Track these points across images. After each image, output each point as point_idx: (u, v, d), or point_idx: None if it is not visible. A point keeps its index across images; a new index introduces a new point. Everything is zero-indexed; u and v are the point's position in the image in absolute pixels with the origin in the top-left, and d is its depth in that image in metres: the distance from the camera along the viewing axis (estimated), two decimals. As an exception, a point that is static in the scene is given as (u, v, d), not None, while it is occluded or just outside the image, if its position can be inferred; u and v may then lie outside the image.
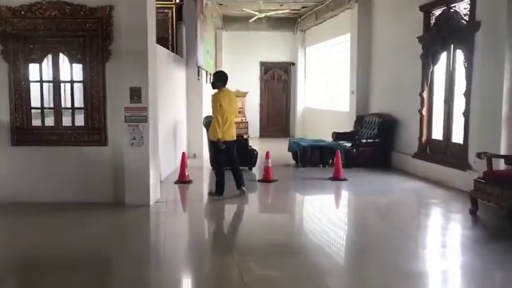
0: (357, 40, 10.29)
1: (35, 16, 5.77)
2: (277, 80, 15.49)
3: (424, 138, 8.05)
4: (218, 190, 6.58)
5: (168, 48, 9.10)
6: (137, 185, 5.86)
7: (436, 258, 4.45)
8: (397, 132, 8.90)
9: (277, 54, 15.24)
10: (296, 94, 15.27)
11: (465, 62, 6.83)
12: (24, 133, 5.95)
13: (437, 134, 7.75)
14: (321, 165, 8.92)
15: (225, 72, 6.81)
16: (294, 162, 9.33)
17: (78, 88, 6.01)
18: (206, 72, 10.87)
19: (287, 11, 12.97)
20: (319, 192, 7.32)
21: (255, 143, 11.66)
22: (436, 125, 7.86)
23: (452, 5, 7.16)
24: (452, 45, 7.28)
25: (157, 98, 6.22)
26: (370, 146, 8.90)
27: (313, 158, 8.95)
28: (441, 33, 7.43)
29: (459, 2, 7.01)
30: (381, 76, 9.73)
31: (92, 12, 5.80)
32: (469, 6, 6.78)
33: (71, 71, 5.96)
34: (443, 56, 7.52)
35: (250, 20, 13.35)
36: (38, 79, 5.98)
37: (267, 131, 15.34)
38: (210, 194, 6.73)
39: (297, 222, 5.89)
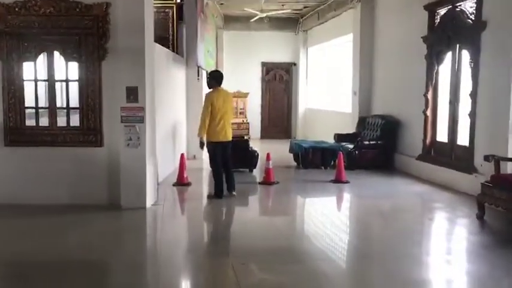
0: (359, 40, 10.12)
1: (29, 13, 5.64)
2: (279, 80, 15.33)
3: (428, 140, 7.87)
4: (217, 192, 6.42)
5: (168, 48, 8.97)
6: (133, 187, 5.70)
7: (441, 265, 4.27)
8: (400, 133, 8.73)
9: (279, 55, 15.08)
10: (298, 95, 15.11)
11: (471, 62, 6.65)
12: (17, 133, 5.81)
13: (442, 135, 7.58)
14: (323, 167, 8.76)
15: (220, 71, 6.71)
16: (296, 163, 9.17)
17: (74, 87, 5.84)
18: (206, 72, 10.70)
19: (289, 10, 12.80)
20: (320, 195, 7.15)
21: (256, 144, 11.50)
22: (440, 127, 7.69)
23: (457, 4, 6.98)
24: (457, 45, 7.10)
25: (154, 97, 6.06)
26: (373, 147, 8.73)
27: (315, 159, 8.79)
28: (446, 33, 7.26)
29: (465, 0, 6.83)
30: (384, 77, 9.56)
31: (87, 9, 5.66)
32: (475, 5, 6.60)
33: (66, 69, 5.81)
34: (449, 56, 7.35)
35: (252, 20, 13.21)
36: (32, 78, 5.84)
37: (268, 132, 15.19)
38: (209, 197, 6.56)
39: (298, 226, 5.72)
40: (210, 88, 6.46)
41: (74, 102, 5.84)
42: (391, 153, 8.80)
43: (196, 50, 9.60)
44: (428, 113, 7.85)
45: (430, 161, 7.72)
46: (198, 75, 9.88)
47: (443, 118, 7.59)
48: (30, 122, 5.86)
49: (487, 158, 5.47)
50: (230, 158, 6.51)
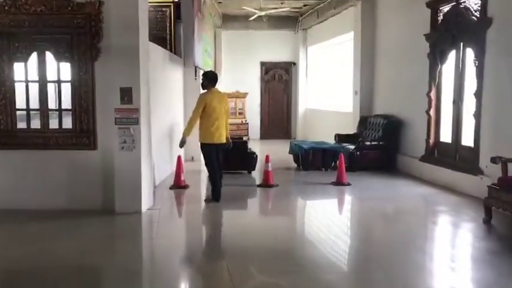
0: (360, 39, 9.94)
1: (19, 12, 5.46)
2: (278, 80, 15.15)
3: (431, 141, 7.69)
4: (214, 196, 6.25)
5: (166, 48, 8.80)
6: (128, 192, 5.52)
7: (446, 272, 4.09)
8: (402, 134, 8.55)
9: (278, 54, 14.90)
10: (297, 95, 14.93)
11: (476, 60, 6.47)
12: (8, 136, 5.63)
13: (446, 136, 7.39)
14: (323, 169, 8.58)
15: (215, 72, 6.59)
16: (295, 165, 9.00)
17: (66, 88, 5.66)
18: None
19: (288, 9, 12.63)
20: (321, 198, 6.96)
21: (255, 145, 11.35)
22: (444, 127, 7.51)
23: (461, 1, 6.81)
24: (461, 43, 6.92)
25: (150, 98, 5.88)
26: (375, 148, 8.55)
27: (315, 161, 8.60)
28: (450, 31, 7.07)
29: (469, -3, 6.66)
30: (386, 76, 9.38)
31: (80, 7, 5.48)
32: (480, 2, 6.42)
33: (58, 70, 5.64)
34: (452, 54, 7.17)
35: (250, 19, 13.02)
36: (23, 79, 5.67)
37: (267, 133, 15.01)
38: (206, 200, 6.37)
39: (298, 230, 5.54)
40: (204, 89, 6.32)
41: (67, 103, 5.66)
42: (394, 154, 8.63)
43: (193, 49, 9.41)
44: (432, 112, 7.67)
45: (434, 162, 7.54)
46: (196, 75, 9.70)
47: (446, 118, 7.41)
48: (21, 125, 5.69)
49: (494, 160, 5.28)
50: (221, 162, 6.34)
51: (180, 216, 6.21)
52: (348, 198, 6.96)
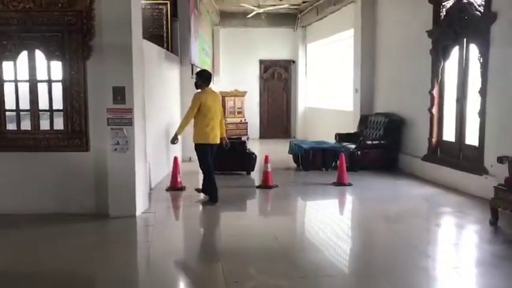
0: (360, 36, 9.75)
1: (7, 9, 5.27)
2: (277, 78, 14.96)
3: (434, 140, 7.51)
4: (212, 197, 6.11)
5: (162, 47, 8.62)
6: (122, 195, 5.34)
7: (451, 277, 3.91)
8: (404, 133, 8.37)
9: (277, 52, 14.71)
10: (297, 93, 14.74)
11: (480, 57, 6.29)
12: (-3, 138, 5.44)
13: (449, 135, 7.21)
14: (324, 169, 8.40)
15: (209, 71, 6.50)
16: (295, 165, 8.82)
17: (57, 88, 5.46)
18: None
19: (287, 6, 12.44)
20: (321, 199, 6.78)
21: (254, 145, 11.19)
22: (447, 126, 7.33)
23: (465, -5, 6.62)
24: (465, 39, 6.74)
25: (144, 98, 5.70)
26: (376, 147, 8.37)
27: (316, 161, 8.42)
28: (453, 27, 6.89)
29: (473, -9, 6.47)
30: (387, 73, 9.19)
31: (70, 4, 5.29)
32: (484, -4, 6.24)
33: (49, 69, 5.44)
34: (455, 50, 6.99)
35: (249, 16, 12.84)
36: (13, 79, 5.48)
37: (267, 132, 14.83)
38: (203, 203, 6.19)
39: (298, 234, 5.34)
40: (197, 88, 6.18)
41: (58, 104, 5.47)
42: (395, 154, 8.44)
43: (189, 47, 9.22)
44: (434, 111, 7.49)
45: (437, 161, 7.36)
46: (192, 74, 9.49)
47: (450, 116, 7.24)
48: (11, 126, 5.50)
49: (500, 160, 5.10)
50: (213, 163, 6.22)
51: (177, 220, 6.03)
52: (349, 199, 6.78)
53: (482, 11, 6.30)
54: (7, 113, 5.48)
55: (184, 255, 4.57)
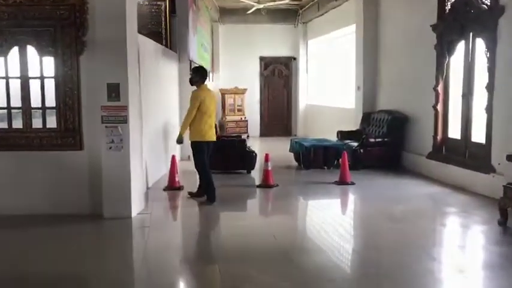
0: (362, 31, 9.54)
1: (-3, 3, 5.08)
2: (278, 75, 14.75)
3: (439, 137, 7.32)
4: (209, 196, 5.96)
5: (162, 44, 8.44)
6: (117, 195, 5.17)
7: (458, 279, 3.73)
8: (408, 130, 8.17)
9: (278, 49, 14.48)
10: (298, 90, 14.53)
11: (487, 51, 6.09)
12: (-12, 137, 5.26)
13: (455, 132, 7.02)
14: (326, 168, 8.20)
15: (205, 67, 6.37)
16: (296, 163, 8.63)
17: (50, 85, 5.29)
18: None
19: (287, 1, 12.21)
20: (323, 200, 6.58)
21: (255, 143, 11.02)
22: (452, 123, 7.13)
23: (471, -12, 6.41)
24: (471, 33, 6.54)
25: (140, 95, 5.53)
26: (379, 145, 8.17)
27: (317, 159, 8.22)
28: (458, 20, 6.69)
29: (479, -16, 6.26)
30: (390, 69, 8.98)
31: (63, -3, 5.10)
32: (491, -11, 6.03)
33: (41, 65, 5.27)
34: (461, 45, 6.79)
35: (249, 12, 12.62)
36: (3, 75, 5.30)
37: (267, 130, 14.63)
38: (201, 203, 6.01)
39: (299, 235, 5.14)
40: (193, 85, 6.06)
41: (51, 101, 5.29)
42: (399, 151, 8.25)
43: (188, 43, 9.03)
44: (439, 107, 7.30)
45: (442, 159, 7.16)
46: (190, 70, 9.31)
47: (455, 113, 7.04)
48: (2, 124, 5.34)
49: (510, 158, 4.90)
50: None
51: (174, 220, 5.84)
52: (351, 199, 6.60)
53: (489, 4, 6.10)
54: (-2, 111, 5.32)
55: (181, 258, 4.37)
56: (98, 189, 5.20)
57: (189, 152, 9.15)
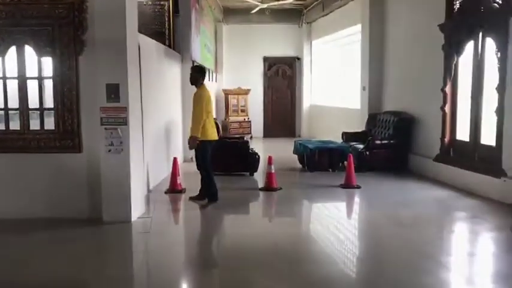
0: (368, 31, 9.38)
1: (-6, 2, 4.96)
2: (282, 76, 14.60)
3: (447, 139, 7.14)
4: (212, 196, 5.90)
5: (165, 44, 8.31)
6: (116, 199, 5.03)
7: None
8: (415, 132, 8.00)
9: (282, 49, 14.34)
10: (302, 91, 14.38)
11: (497, 51, 5.92)
12: (-15, 139, 5.14)
13: (463, 134, 6.84)
14: (330, 170, 8.04)
15: (204, 66, 6.34)
16: (301, 166, 8.47)
17: (48, 85, 5.17)
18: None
19: (291, 1, 12.06)
20: (328, 203, 6.42)
21: (258, 144, 10.87)
22: (461, 124, 6.95)
23: (481, -14, 6.24)
24: (480, 33, 6.36)
25: (141, 96, 5.39)
26: (385, 147, 8.00)
27: (322, 161, 8.07)
28: (467, 20, 6.52)
29: (490, -18, 6.09)
30: (396, 70, 8.81)
31: (61, -4, 4.97)
32: (502, -13, 5.86)
33: (39, 65, 5.16)
34: (470, 45, 6.61)
35: (252, 12, 12.48)
36: (1, 75, 5.18)
37: (271, 131, 14.48)
38: (203, 206, 5.88)
39: (303, 241, 4.96)
40: (193, 84, 5.97)
41: (49, 102, 5.17)
42: (405, 154, 8.07)
43: (190, 43, 8.89)
44: (447, 109, 7.12)
45: (449, 162, 6.99)
46: (190, 69, 9.17)
47: (463, 115, 6.86)
48: (-1, 126, 5.23)
49: (522, 162, 4.73)
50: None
51: (175, 225, 5.70)
52: (358, 204, 6.44)
53: (500, 2, 5.93)
54: (-5, 112, 5.20)
55: (182, 264, 4.23)
56: (97, 193, 5.07)
57: (191, 153, 9.10)
